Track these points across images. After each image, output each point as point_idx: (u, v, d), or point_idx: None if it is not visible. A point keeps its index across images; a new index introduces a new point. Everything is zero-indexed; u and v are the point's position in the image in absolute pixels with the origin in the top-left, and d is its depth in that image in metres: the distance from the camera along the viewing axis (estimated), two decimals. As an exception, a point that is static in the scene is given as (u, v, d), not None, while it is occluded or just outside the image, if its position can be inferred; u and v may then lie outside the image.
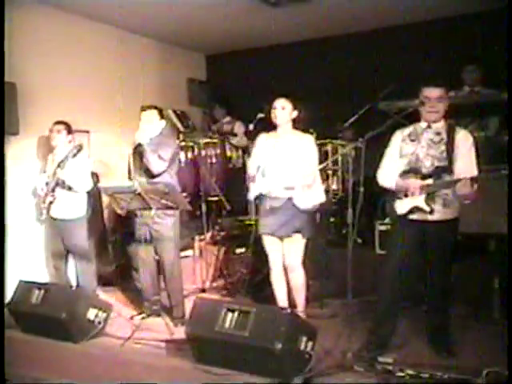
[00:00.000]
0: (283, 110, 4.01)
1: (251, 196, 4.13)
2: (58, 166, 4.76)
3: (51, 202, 4.78)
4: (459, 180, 3.23)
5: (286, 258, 4.05)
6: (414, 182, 3.42)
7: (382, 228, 4.87)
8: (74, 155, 4.78)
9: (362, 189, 3.99)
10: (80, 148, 4.83)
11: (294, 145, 4.00)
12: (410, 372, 3.14)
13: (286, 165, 3.97)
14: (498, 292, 4.15)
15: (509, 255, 3.08)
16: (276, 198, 4.00)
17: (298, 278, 4.07)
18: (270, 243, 4.09)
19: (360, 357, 3.37)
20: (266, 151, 4.06)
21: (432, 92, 3.43)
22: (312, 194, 4.01)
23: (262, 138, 4.15)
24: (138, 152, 4.43)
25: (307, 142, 4.04)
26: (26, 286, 4.32)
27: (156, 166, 4.33)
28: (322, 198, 4.13)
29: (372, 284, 4.12)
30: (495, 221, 4.03)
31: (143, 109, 4.52)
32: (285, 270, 4.10)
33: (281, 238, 4.03)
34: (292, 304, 4.09)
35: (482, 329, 3.97)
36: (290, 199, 3.95)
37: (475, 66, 5.40)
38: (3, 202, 4.81)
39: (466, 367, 3.22)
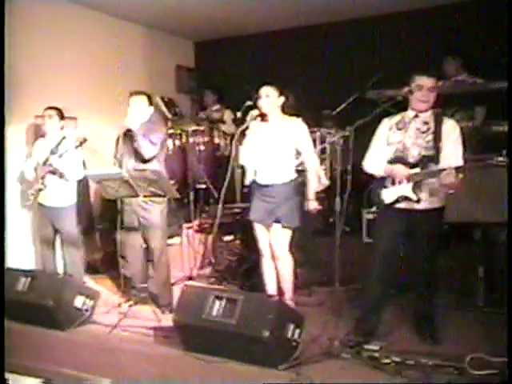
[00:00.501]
0: (267, 98, 4.00)
1: (247, 180, 4.15)
2: (52, 153, 4.72)
3: (40, 189, 4.73)
4: (445, 169, 3.25)
5: (272, 247, 4.06)
6: (402, 170, 3.44)
7: (370, 216, 4.90)
8: (76, 147, 4.72)
9: (349, 177, 4.01)
10: (84, 141, 4.74)
11: (283, 130, 3.99)
12: (396, 359, 3.18)
13: (277, 151, 3.97)
14: (482, 280, 4.20)
15: (508, 249, 3.10)
16: (265, 185, 4.01)
17: (285, 267, 4.08)
18: (258, 230, 4.10)
19: (347, 344, 3.40)
20: (256, 138, 4.06)
21: (425, 81, 3.43)
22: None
23: (253, 126, 4.13)
24: (128, 137, 4.41)
25: (297, 126, 4.03)
26: (13, 274, 4.29)
27: (147, 150, 4.31)
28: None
29: (359, 272, 4.16)
30: (481, 210, 4.06)
31: (132, 94, 4.49)
32: (273, 257, 4.11)
33: (267, 226, 4.04)
34: (280, 291, 4.10)
35: (466, 316, 4.02)
36: (280, 187, 3.95)
37: (456, 56, 5.44)
38: (3, 197, 4.77)
39: (450, 353, 3.26)
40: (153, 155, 4.35)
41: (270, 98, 4.00)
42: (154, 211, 4.36)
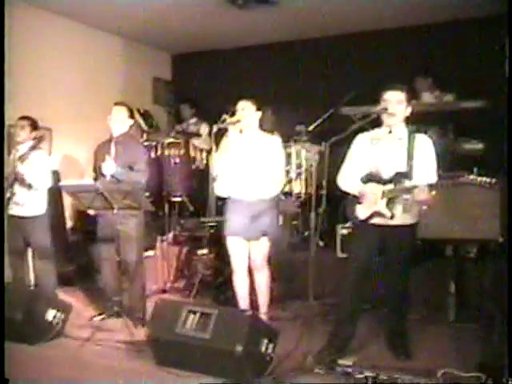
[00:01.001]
0: (243, 111, 4.01)
1: (220, 193, 4.14)
2: (19, 159, 4.66)
3: (9, 198, 4.66)
4: (417, 186, 3.30)
5: (253, 259, 4.06)
6: (375, 188, 3.47)
7: (344, 232, 4.93)
8: (34, 147, 4.66)
9: (324, 192, 4.04)
10: (40, 139, 4.70)
11: (258, 146, 4.00)
12: (369, 374, 3.19)
13: (251, 166, 3.97)
14: (453, 295, 4.26)
15: (508, 259, 3.15)
16: (241, 200, 4.01)
17: (264, 279, 4.08)
18: (234, 245, 4.08)
19: (320, 359, 3.40)
20: (231, 153, 4.06)
21: (391, 95, 3.48)
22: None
23: (228, 139, 4.14)
24: (108, 147, 4.41)
25: (273, 144, 4.04)
26: (-19, 286, 4.21)
27: (125, 163, 4.33)
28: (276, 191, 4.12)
29: (333, 287, 4.18)
30: (452, 226, 4.14)
31: (115, 105, 4.49)
32: (249, 271, 4.10)
33: (247, 240, 4.04)
34: (254, 306, 4.10)
35: (438, 331, 4.07)
36: (256, 201, 3.96)
37: (425, 75, 5.57)
38: (2, 202, 4.68)
39: (422, 368, 3.29)
40: (132, 167, 4.35)
41: (246, 112, 4.01)
42: (129, 224, 4.33)
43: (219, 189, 4.13)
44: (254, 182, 3.97)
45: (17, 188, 4.66)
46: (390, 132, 3.54)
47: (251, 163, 3.98)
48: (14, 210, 4.71)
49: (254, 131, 4.06)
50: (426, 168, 3.46)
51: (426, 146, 3.51)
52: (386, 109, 3.49)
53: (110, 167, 4.29)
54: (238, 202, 4.03)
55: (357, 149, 3.65)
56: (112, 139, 4.43)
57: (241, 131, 4.07)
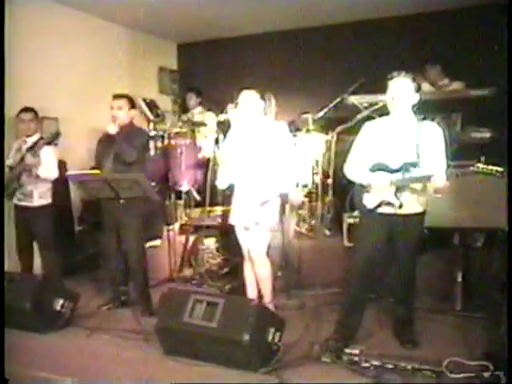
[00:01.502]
0: (246, 103, 3.98)
1: (220, 184, 4.10)
2: (27, 151, 4.67)
3: (15, 189, 4.69)
4: (428, 176, 3.29)
5: (250, 250, 4.03)
6: (384, 178, 3.46)
7: (351, 221, 4.90)
8: (49, 143, 4.66)
9: (330, 181, 4.02)
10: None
11: (264, 134, 3.95)
12: (375, 363, 3.21)
13: (256, 155, 3.94)
14: (460, 285, 4.25)
15: (508, 253, 3.15)
16: (244, 188, 3.99)
17: (262, 270, 4.02)
18: (238, 233, 4.08)
19: (327, 348, 3.41)
20: (237, 142, 4.05)
21: (397, 83, 3.44)
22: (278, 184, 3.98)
23: (234, 130, 4.12)
24: (110, 140, 4.39)
25: (278, 129, 3.98)
26: (-10, 276, 4.24)
27: (129, 154, 4.30)
28: (288, 189, 4.07)
29: (340, 276, 4.18)
30: (459, 215, 4.12)
31: (114, 97, 4.46)
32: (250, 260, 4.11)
33: (244, 229, 4.03)
34: (261, 295, 4.10)
35: (444, 320, 4.06)
36: (258, 190, 3.94)
37: (433, 63, 5.51)
38: (2, 197, 4.71)
39: (428, 357, 3.30)
40: (134, 159, 4.33)
41: (249, 102, 3.98)
42: (134, 214, 4.34)
43: (220, 180, 4.10)
44: (259, 170, 3.93)
45: (24, 179, 4.69)
46: (398, 120, 3.52)
47: (256, 151, 3.95)
48: (19, 200, 4.75)
49: (259, 120, 4.03)
50: (435, 156, 3.43)
51: (435, 134, 3.48)
52: (392, 97, 3.47)
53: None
54: (241, 191, 4.01)
55: (364, 138, 3.62)
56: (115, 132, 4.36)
57: (244, 121, 4.05)
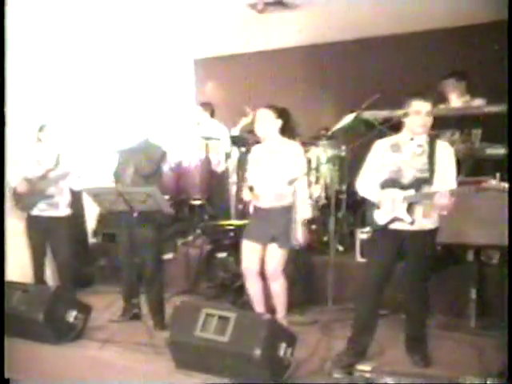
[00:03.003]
0: (262, 122, 4.00)
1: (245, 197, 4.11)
2: (57, 163, 4.78)
3: (46, 197, 4.76)
4: (437, 192, 3.28)
5: (266, 268, 4.02)
6: (395, 194, 3.45)
7: (363, 236, 4.89)
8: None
9: (344, 196, 4.02)
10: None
11: (279, 153, 3.98)
12: (388, 380, 3.17)
13: (272, 174, 3.96)
14: (474, 302, 4.21)
15: (509, 263, 3.12)
16: (260, 206, 4.01)
17: (278, 287, 4.02)
18: (247, 248, 4.07)
19: (339, 364, 3.39)
20: (256, 162, 4.09)
21: (423, 106, 3.43)
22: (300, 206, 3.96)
23: (255, 150, 4.16)
24: (127, 153, 4.46)
25: (293, 149, 4.01)
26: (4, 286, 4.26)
27: (146, 167, 4.37)
28: (308, 214, 4.05)
29: (352, 291, 4.16)
30: (474, 232, 4.09)
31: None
32: (262, 276, 4.08)
33: (260, 244, 4.02)
34: (270, 309, 4.08)
35: (458, 338, 4.02)
36: (274, 208, 3.95)
37: (455, 78, 5.48)
38: (3, 204, 4.76)
39: (442, 375, 3.27)
40: (151, 172, 4.38)
41: (265, 121, 3.99)
42: (148, 227, 4.36)
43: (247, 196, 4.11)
44: (274, 188, 3.95)
45: (52, 189, 4.75)
46: (412, 139, 3.52)
47: (271, 170, 3.97)
48: (42, 210, 4.78)
49: (275, 139, 4.05)
50: (446, 174, 3.43)
51: (446, 153, 3.49)
52: (406, 113, 3.47)
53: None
54: (258, 207, 4.04)
55: (376, 155, 3.62)
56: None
57: (263, 140, 4.07)
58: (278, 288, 4.04)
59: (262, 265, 4.04)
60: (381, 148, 3.61)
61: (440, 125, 3.57)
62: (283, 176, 3.92)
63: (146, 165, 4.36)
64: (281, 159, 3.96)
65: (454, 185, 3.37)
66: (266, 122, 3.99)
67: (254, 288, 4.11)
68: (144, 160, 4.35)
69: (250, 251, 4.06)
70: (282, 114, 4.03)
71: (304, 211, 3.94)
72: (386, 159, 3.56)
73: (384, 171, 3.55)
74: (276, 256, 3.97)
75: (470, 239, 4.15)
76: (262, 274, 4.08)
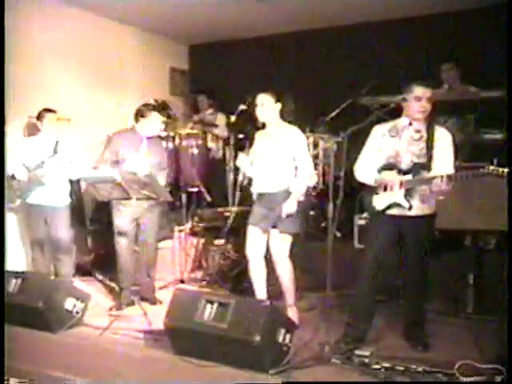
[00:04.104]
0: (262, 107, 3.98)
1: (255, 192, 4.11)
2: (54, 152, 4.75)
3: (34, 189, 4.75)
4: (436, 177, 3.29)
5: (272, 253, 4.03)
6: (393, 178, 3.46)
7: (361, 222, 4.91)
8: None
9: (342, 183, 4.00)
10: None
11: (281, 138, 3.97)
12: (386, 365, 3.19)
13: (275, 159, 3.96)
14: (472, 287, 4.23)
15: (509, 254, 3.13)
16: (263, 193, 4.01)
17: (284, 272, 4.02)
18: (252, 234, 4.07)
19: (337, 349, 3.41)
20: (257, 147, 4.08)
21: (424, 92, 3.43)
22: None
23: (257, 136, 4.15)
24: (134, 144, 4.55)
25: (294, 133, 4.01)
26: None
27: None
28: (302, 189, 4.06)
29: (350, 278, 4.17)
30: (471, 217, 4.10)
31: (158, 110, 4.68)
32: (266, 262, 4.09)
33: (264, 231, 4.03)
34: (271, 296, 4.10)
35: (456, 323, 4.04)
36: (279, 193, 3.95)
37: (453, 64, 5.45)
38: (2, 196, 4.75)
39: (440, 360, 3.28)
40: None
41: (265, 106, 3.98)
42: (147, 214, 4.38)
43: (255, 187, 4.11)
44: (276, 173, 3.96)
45: (50, 178, 4.73)
46: (410, 124, 3.52)
47: (274, 156, 3.97)
48: (38, 199, 4.78)
49: (275, 124, 4.04)
50: (443, 159, 3.44)
51: (444, 139, 3.49)
52: (405, 99, 3.47)
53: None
54: (260, 193, 4.04)
55: (374, 140, 3.62)
56: (139, 136, 4.58)
57: (263, 127, 4.05)
58: (284, 273, 4.02)
59: (267, 251, 4.05)
60: (379, 132, 3.61)
61: (434, 110, 3.54)
62: (285, 160, 3.93)
63: (154, 160, 4.53)
64: (282, 143, 3.96)
65: (451, 170, 3.38)
66: (267, 107, 3.98)
67: (256, 274, 4.10)
68: (153, 155, 4.53)
69: (253, 237, 4.06)
70: (281, 97, 4.02)
71: (300, 186, 3.94)
72: (383, 144, 3.57)
73: (382, 156, 3.56)
74: (278, 241, 3.98)
75: (467, 225, 4.16)
76: (266, 261, 4.09)
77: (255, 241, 4.06)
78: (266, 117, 4.01)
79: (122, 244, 4.56)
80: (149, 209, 4.39)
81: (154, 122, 4.61)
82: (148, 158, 4.51)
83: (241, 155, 4.15)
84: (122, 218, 4.50)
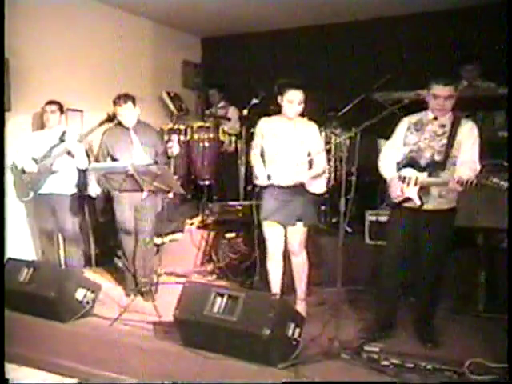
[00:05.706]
0: (299, 106, 3.90)
1: (261, 183, 4.04)
2: (61, 140, 4.81)
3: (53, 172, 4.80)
4: (446, 181, 3.30)
5: (291, 244, 4.03)
6: (411, 175, 3.45)
7: (372, 218, 4.89)
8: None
9: (354, 178, 3.98)
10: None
11: (300, 132, 3.96)
12: (395, 361, 3.18)
13: (292, 152, 3.94)
14: (483, 285, 4.20)
15: (509, 253, 3.11)
16: (279, 185, 3.96)
17: (302, 263, 4.06)
18: (270, 229, 4.04)
19: (346, 345, 3.40)
20: (273, 137, 4.01)
21: (441, 91, 3.41)
22: (318, 183, 4.03)
23: (266, 123, 4.06)
24: (124, 138, 4.56)
25: (312, 129, 4.01)
26: (15, 264, 4.30)
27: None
28: (323, 189, 4.14)
29: (361, 273, 4.16)
30: (483, 215, 4.06)
31: (117, 103, 4.53)
32: (284, 256, 4.09)
33: (284, 225, 4.02)
34: (283, 290, 4.09)
35: (466, 321, 4.02)
36: (295, 187, 3.93)
37: (474, 64, 5.38)
38: (3, 189, 4.78)
39: (450, 358, 3.26)
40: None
41: (301, 104, 3.91)
42: (151, 206, 4.49)
43: (260, 178, 4.04)
44: (293, 167, 3.93)
45: (58, 168, 4.78)
46: (436, 118, 3.49)
47: (292, 149, 3.94)
48: (44, 188, 4.80)
49: (296, 119, 4.00)
50: (469, 155, 3.41)
51: (470, 133, 3.45)
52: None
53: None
54: (276, 187, 3.98)
55: (401, 133, 3.62)
56: (126, 129, 4.58)
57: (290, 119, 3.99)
58: (301, 264, 4.07)
59: (285, 244, 4.07)
60: (405, 126, 3.60)
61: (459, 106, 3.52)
62: (302, 154, 3.93)
63: (150, 147, 4.52)
64: (300, 137, 3.94)
65: (476, 166, 3.36)
66: (298, 104, 3.89)
67: (277, 269, 4.10)
68: (146, 143, 4.50)
69: (274, 234, 4.03)
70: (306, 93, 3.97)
71: (317, 185, 3.98)
72: (408, 137, 3.57)
73: (405, 150, 3.56)
74: (301, 233, 4.01)
75: (479, 222, 4.12)
76: (284, 254, 4.10)
77: (275, 235, 4.03)
78: (296, 113, 3.94)
79: (128, 235, 4.62)
80: (150, 200, 4.44)
81: (129, 111, 4.53)
82: (140, 146, 4.52)
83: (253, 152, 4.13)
84: (129, 209, 4.57)
